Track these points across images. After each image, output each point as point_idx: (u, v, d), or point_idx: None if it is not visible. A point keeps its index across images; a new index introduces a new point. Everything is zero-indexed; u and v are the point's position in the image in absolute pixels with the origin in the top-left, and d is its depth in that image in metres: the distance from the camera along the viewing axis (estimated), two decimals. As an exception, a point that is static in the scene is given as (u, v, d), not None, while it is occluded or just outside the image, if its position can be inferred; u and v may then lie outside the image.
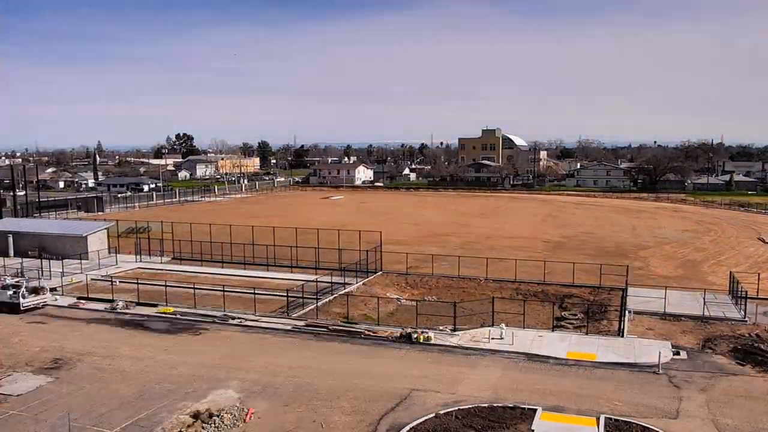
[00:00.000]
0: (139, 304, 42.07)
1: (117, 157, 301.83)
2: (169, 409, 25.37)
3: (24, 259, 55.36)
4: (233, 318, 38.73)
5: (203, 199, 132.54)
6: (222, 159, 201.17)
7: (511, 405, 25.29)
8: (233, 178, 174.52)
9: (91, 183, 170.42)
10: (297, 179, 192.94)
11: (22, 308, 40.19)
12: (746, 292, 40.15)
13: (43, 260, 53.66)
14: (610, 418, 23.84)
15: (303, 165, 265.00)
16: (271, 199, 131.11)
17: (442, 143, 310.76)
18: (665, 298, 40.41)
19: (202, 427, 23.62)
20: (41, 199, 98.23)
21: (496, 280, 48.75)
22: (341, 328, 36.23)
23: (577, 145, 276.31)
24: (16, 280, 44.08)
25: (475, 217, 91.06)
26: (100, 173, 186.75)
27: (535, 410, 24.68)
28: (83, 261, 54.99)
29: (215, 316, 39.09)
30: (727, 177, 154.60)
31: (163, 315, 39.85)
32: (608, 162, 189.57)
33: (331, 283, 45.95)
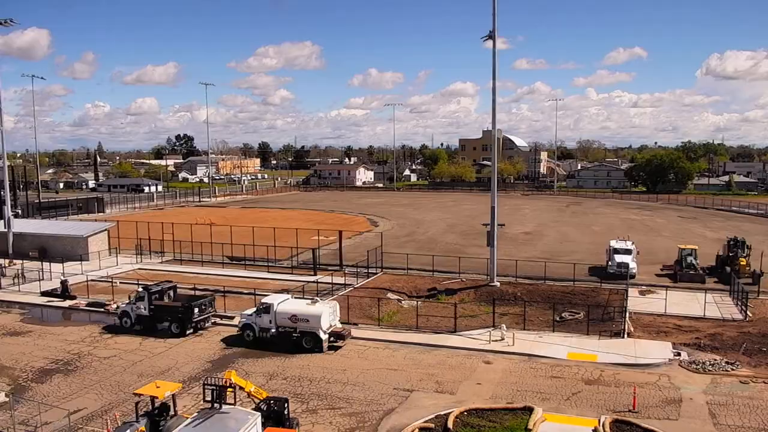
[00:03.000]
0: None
1: (117, 158, 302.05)
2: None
3: (24, 260, 55.33)
4: (232, 318, 38.71)
5: (204, 200, 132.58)
6: (222, 160, 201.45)
7: (511, 406, 25.26)
8: (234, 179, 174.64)
9: (91, 184, 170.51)
10: (298, 179, 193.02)
11: None
12: (747, 293, 40.14)
13: (43, 261, 53.62)
14: (611, 419, 23.79)
15: (303, 166, 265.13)
16: (271, 201, 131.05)
17: (442, 144, 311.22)
18: (666, 299, 40.39)
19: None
20: (42, 200, 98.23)
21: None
22: None
23: (578, 145, 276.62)
24: None
25: (476, 217, 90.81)
26: (100, 174, 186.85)
27: (535, 411, 24.62)
28: (84, 262, 54.97)
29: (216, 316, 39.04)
30: (727, 177, 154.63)
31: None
32: (608, 163, 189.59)
33: (332, 283, 45.92)
